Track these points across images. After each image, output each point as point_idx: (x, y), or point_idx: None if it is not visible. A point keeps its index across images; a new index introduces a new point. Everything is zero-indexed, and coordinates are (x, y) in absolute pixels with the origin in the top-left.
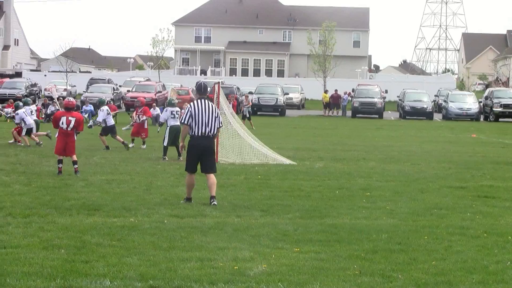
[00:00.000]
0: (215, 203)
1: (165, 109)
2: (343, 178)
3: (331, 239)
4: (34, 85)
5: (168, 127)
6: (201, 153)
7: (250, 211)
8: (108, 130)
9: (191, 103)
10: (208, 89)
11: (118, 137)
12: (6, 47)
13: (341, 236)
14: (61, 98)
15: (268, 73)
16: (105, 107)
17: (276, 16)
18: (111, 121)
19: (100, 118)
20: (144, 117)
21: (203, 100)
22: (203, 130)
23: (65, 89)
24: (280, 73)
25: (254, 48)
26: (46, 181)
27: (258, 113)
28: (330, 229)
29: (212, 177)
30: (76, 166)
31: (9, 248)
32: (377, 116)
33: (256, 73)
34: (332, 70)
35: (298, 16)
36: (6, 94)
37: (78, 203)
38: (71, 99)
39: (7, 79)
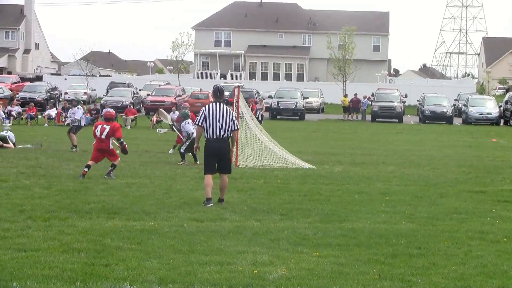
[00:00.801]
0: (222, 204)
1: (186, 121)
2: (362, 182)
3: (351, 243)
4: (55, 88)
5: (192, 136)
6: (216, 155)
7: (270, 215)
8: (78, 129)
9: (206, 106)
10: (225, 93)
11: (74, 136)
12: (27, 51)
13: (360, 240)
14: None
15: (288, 77)
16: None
17: (295, 20)
18: (83, 122)
19: (77, 116)
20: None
21: (218, 104)
22: (218, 133)
23: (85, 93)
24: (300, 77)
25: (274, 52)
26: (66, 185)
27: (278, 117)
28: (349, 233)
29: (225, 179)
30: (111, 168)
31: (29, 251)
32: (396, 120)
33: (276, 77)
34: (352, 74)
35: (317, 20)
36: (26, 98)
37: (98, 207)
38: (111, 110)
39: (28, 83)
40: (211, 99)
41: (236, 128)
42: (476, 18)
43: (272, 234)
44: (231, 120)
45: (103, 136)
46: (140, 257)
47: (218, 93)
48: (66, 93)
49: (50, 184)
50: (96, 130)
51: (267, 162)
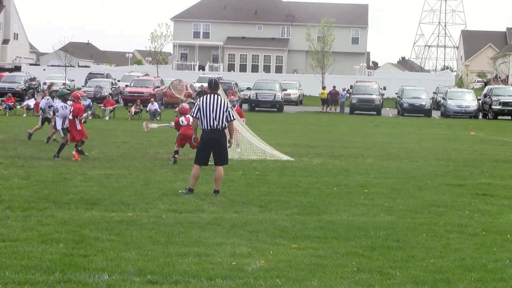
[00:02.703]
0: (217, 194)
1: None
2: (341, 174)
3: (329, 235)
4: (33, 79)
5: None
6: (211, 146)
7: (248, 206)
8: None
9: (201, 98)
10: (219, 85)
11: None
12: (5, 41)
13: (339, 233)
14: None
15: (266, 69)
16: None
17: (275, 12)
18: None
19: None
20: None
21: (212, 95)
22: (212, 124)
23: (64, 83)
24: (278, 69)
25: (253, 44)
26: (45, 175)
27: (256, 109)
28: (328, 225)
29: (220, 170)
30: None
31: (8, 242)
32: (375, 113)
33: (254, 69)
34: (331, 66)
35: (296, 12)
36: (5, 88)
37: (77, 197)
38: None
39: (7, 73)
40: (189, 90)
41: (232, 118)
42: (455, 11)
43: (251, 226)
44: (226, 111)
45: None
46: (119, 248)
47: (212, 85)
48: (44, 83)
49: (29, 174)
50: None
51: (246, 153)
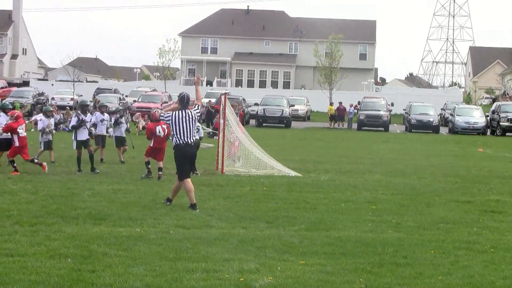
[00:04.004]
0: (169, 202)
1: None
2: (348, 190)
3: (337, 251)
4: (42, 94)
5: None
6: (189, 159)
7: (256, 222)
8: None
9: (174, 112)
10: (190, 101)
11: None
12: (14, 56)
13: (346, 249)
14: (67, 108)
15: (274, 84)
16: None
17: (282, 27)
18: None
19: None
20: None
21: (183, 111)
22: (186, 139)
23: (72, 99)
24: (286, 85)
25: (260, 59)
26: (53, 190)
27: (264, 124)
28: (335, 241)
29: (181, 182)
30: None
31: (16, 257)
32: (383, 129)
33: (262, 84)
34: (338, 82)
35: (304, 28)
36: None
37: (85, 212)
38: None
39: (15, 88)
40: (182, 105)
41: (198, 129)
42: (463, 28)
43: (259, 242)
44: (194, 121)
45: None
46: (127, 264)
47: (185, 101)
48: (53, 98)
49: (37, 189)
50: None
51: (254, 169)
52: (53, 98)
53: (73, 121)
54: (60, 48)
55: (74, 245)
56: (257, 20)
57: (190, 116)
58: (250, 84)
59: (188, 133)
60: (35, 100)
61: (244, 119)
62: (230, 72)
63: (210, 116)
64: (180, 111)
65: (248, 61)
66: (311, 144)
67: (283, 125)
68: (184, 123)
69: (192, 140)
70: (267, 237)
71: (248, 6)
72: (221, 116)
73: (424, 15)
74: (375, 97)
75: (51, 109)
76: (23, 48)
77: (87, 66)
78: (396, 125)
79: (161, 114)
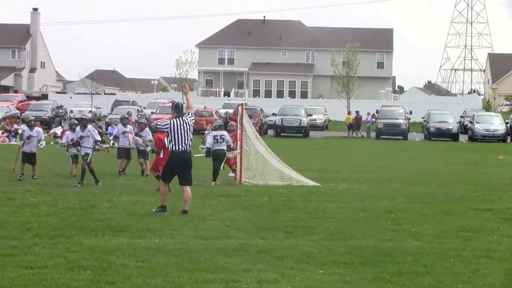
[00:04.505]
0: (186, 214)
1: (209, 134)
2: (367, 200)
3: (356, 261)
4: (60, 107)
5: (212, 152)
6: (180, 166)
7: (274, 232)
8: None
9: (171, 120)
10: (184, 109)
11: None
12: (32, 70)
13: (365, 258)
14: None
15: (292, 94)
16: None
17: (299, 37)
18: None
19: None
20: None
21: (180, 118)
22: (182, 146)
23: (90, 111)
24: (304, 95)
25: (278, 69)
26: (72, 202)
27: (282, 134)
28: (354, 251)
29: (188, 191)
30: None
31: (36, 269)
32: (401, 137)
33: (280, 94)
34: (356, 91)
35: (321, 38)
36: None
37: (104, 224)
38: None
39: (34, 101)
40: (215, 116)
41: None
42: (481, 34)
43: (277, 252)
44: (190, 130)
45: None
46: (145, 275)
47: (179, 108)
48: (71, 111)
49: (56, 202)
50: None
51: (272, 179)
52: (71, 111)
53: (70, 136)
54: (78, 61)
55: (93, 257)
56: (274, 30)
57: (187, 123)
58: (268, 94)
59: (185, 140)
60: (53, 113)
61: (262, 129)
62: (247, 82)
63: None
64: (177, 119)
65: (265, 71)
66: (329, 154)
67: (301, 135)
68: (182, 130)
69: (187, 148)
70: (286, 247)
71: (264, 17)
72: (238, 126)
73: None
74: (393, 105)
75: (76, 122)
76: (42, 62)
77: (105, 78)
78: (415, 134)
79: (158, 123)
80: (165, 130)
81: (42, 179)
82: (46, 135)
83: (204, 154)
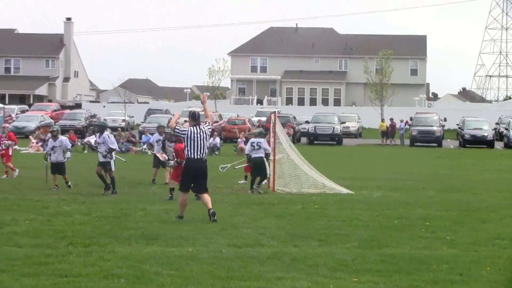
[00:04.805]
0: (213, 211)
1: (241, 141)
2: (401, 207)
3: (390, 269)
4: (94, 116)
5: (251, 159)
6: (195, 174)
7: (308, 240)
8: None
9: (190, 128)
10: (200, 117)
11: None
12: (66, 79)
13: (400, 266)
14: (119, 129)
15: (325, 102)
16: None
17: (332, 45)
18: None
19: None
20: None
21: (197, 127)
22: (198, 154)
23: (123, 120)
24: (337, 102)
25: (310, 77)
26: (106, 211)
27: (315, 142)
28: (389, 259)
29: (205, 195)
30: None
31: (70, 277)
32: (436, 144)
33: (313, 102)
34: (389, 98)
35: (354, 45)
36: (66, 125)
37: (137, 233)
38: None
39: (68, 111)
40: (248, 124)
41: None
42: None
43: (311, 260)
44: (208, 140)
45: None
46: (179, 283)
47: (196, 117)
48: (105, 120)
49: (90, 210)
50: None
51: (305, 187)
52: (105, 120)
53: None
54: (111, 70)
55: (127, 265)
56: (306, 37)
57: (204, 132)
58: (301, 102)
59: (201, 149)
60: (87, 122)
61: (295, 137)
62: (280, 90)
63: None
64: (194, 127)
65: (298, 79)
66: (362, 161)
67: (335, 143)
68: (198, 139)
69: (203, 156)
70: (319, 255)
71: (296, 24)
72: (271, 134)
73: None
74: (427, 112)
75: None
76: (75, 71)
77: (137, 87)
78: (450, 141)
79: (177, 127)
80: (182, 135)
81: (76, 188)
82: (79, 143)
83: (222, 169)
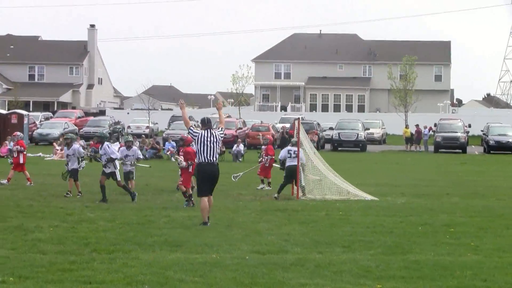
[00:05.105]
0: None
1: (284, 148)
2: (425, 214)
3: (414, 275)
4: (118, 123)
5: (286, 167)
6: (211, 178)
7: (332, 247)
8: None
9: (201, 131)
10: (212, 122)
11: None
12: (90, 86)
13: (424, 272)
14: (143, 136)
15: (349, 108)
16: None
17: (355, 51)
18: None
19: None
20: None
21: (208, 131)
22: (210, 158)
23: (147, 127)
24: (361, 108)
25: (334, 83)
26: (130, 218)
27: (339, 148)
28: (413, 265)
29: (211, 199)
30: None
31: (94, 284)
32: (460, 151)
33: (337, 108)
34: (414, 104)
35: (378, 51)
36: (90, 132)
37: (161, 239)
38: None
39: (92, 118)
40: (272, 131)
41: (224, 148)
42: None
43: (335, 267)
44: (218, 142)
45: None
46: None
47: (206, 122)
48: (129, 127)
49: (114, 217)
50: None
51: (329, 194)
52: (129, 127)
53: (124, 152)
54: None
55: (151, 272)
56: (330, 44)
57: (215, 136)
58: (325, 108)
59: (212, 152)
60: (111, 129)
61: (319, 143)
62: (304, 96)
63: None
64: (206, 131)
65: (322, 85)
66: (387, 168)
67: (359, 149)
68: (209, 142)
69: (214, 160)
70: (343, 261)
71: (320, 30)
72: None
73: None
74: (451, 118)
75: (131, 139)
76: (99, 78)
77: (161, 94)
78: (474, 147)
79: (191, 128)
80: (194, 137)
81: (100, 195)
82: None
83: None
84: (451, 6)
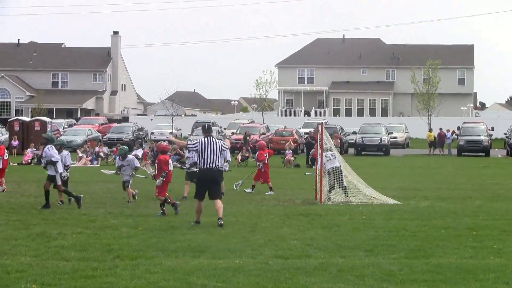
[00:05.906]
0: (222, 222)
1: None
2: (449, 217)
3: (437, 279)
4: (141, 129)
5: (326, 170)
6: (207, 183)
7: (355, 251)
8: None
9: (200, 139)
10: (212, 128)
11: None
12: (113, 92)
13: (447, 276)
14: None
15: (372, 112)
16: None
17: (379, 55)
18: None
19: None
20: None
21: (208, 138)
22: (208, 164)
23: (171, 133)
24: (384, 112)
25: (358, 88)
26: (153, 224)
27: (363, 153)
28: (435, 269)
29: (218, 202)
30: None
31: None
32: (483, 154)
33: (360, 112)
34: (437, 108)
35: (401, 55)
36: (114, 138)
37: (184, 245)
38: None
39: (115, 124)
40: (295, 136)
41: (229, 159)
42: None
43: (357, 271)
44: (221, 152)
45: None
46: None
47: (206, 129)
48: (152, 133)
49: (137, 223)
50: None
51: (352, 198)
52: (152, 133)
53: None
54: (158, 83)
55: (174, 277)
56: (353, 48)
57: (215, 143)
58: (348, 112)
59: (212, 159)
60: (135, 135)
61: (343, 148)
62: (328, 101)
63: (310, 146)
64: (206, 138)
65: (345, 89)
66: (410, 171)
67: (382, 153)
68: (208, 149)
69: (214, 166)
70: (366, 265)
71: (343, 35)
72: (318, 145)
73: None
74: (475, 122)
75: (126, 149)
76: (122, 84)
77: (185, 100)
78: (497, 150)
79: (189, 143)
80: (194, 148)
81: (123, 201)
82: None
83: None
84: (474, 9)
